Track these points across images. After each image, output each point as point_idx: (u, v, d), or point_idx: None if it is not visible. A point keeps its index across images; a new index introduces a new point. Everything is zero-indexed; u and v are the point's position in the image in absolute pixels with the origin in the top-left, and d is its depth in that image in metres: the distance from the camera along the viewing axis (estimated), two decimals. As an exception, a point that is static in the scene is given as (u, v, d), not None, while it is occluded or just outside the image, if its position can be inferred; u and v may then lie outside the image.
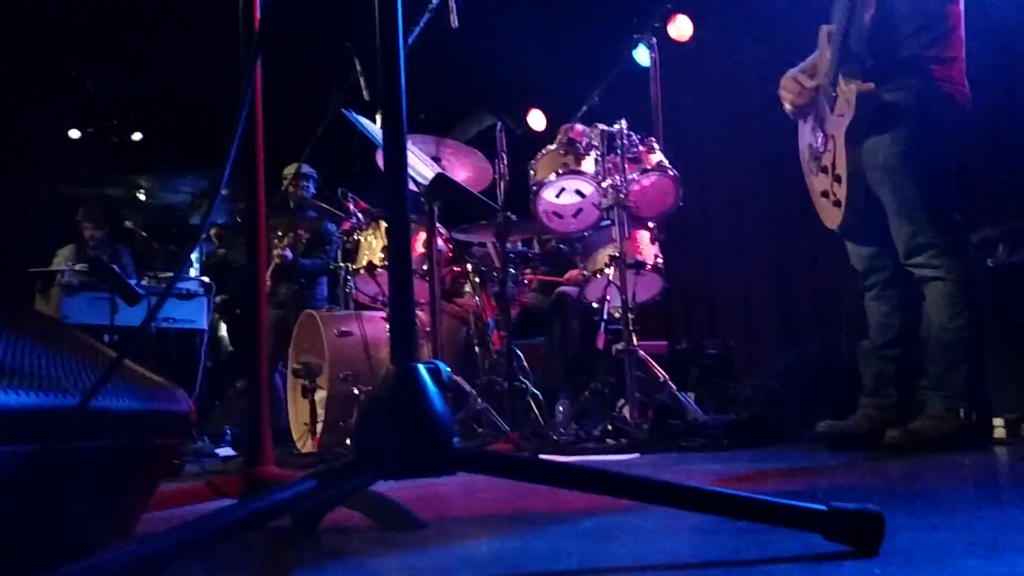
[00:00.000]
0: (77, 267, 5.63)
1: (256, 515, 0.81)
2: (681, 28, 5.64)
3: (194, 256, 9.19)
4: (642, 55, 5.93)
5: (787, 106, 2.99)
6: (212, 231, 8.05)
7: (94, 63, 6.75)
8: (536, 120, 7.10)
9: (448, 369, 1.03)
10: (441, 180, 2.77)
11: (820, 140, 2.89)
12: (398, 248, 1.02)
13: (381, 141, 2.88)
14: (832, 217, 2.89)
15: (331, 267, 5.31)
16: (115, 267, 5.57)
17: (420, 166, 2.99)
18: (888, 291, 2.83)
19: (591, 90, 4.77)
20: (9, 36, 6.17)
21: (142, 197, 9.56)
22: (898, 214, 2.66)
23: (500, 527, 1.34)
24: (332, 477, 0.90)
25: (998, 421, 2.78)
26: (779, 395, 3.50)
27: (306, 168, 5.51)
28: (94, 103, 7.36)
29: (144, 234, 5.76)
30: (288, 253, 5.29)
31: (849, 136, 2.70)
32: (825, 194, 2.90)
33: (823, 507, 0.89)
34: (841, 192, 2.79)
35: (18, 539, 0.92)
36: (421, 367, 0.98)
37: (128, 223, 5.87)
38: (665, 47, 5.18)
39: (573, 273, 4.23)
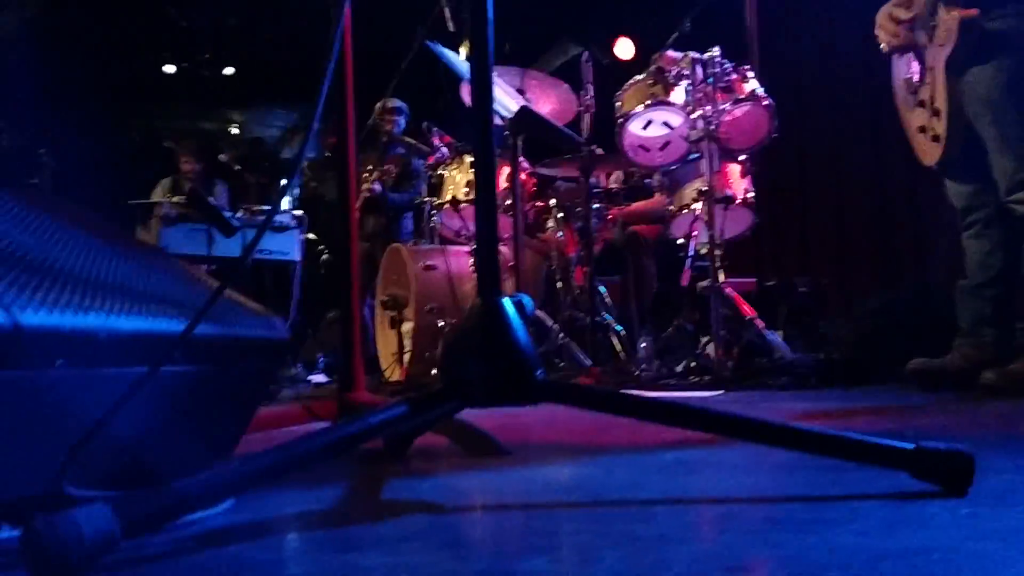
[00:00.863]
0: (175, 199, 5.85)
1: (351, 437, 0.85)
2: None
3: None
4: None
5: (883, 46, 2.84)
6: (305, 164, 8.23)
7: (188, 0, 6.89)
8: (624, 49, 6.91)
9: (532, 302, 1.04)
10: (525, 113, 2.74)
11: (917, 72, 2.75)
12: (484, 186, 1.02)
13: (466, 74, 2.87)
14: (930, 153, 2.76)
15: (417, 202, 5.37)
16: (211, 200, 5.78)
17: (505, 99, 2.97)
18: (988, 229, 2.71)
19: (680, 14, 4.61)
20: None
21: (235, 131, 9.80)
22: (1000, 148, 2.53)
23: (582, 457, 1.37)
24: (421, 403, 0.93)
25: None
26: (871, 335, 3.41)
27: (395, 102, 5.53)
28: (188, 38, 7.53)
29: (238, 167, 5.92)
30: (377, 187, 5.37)
31: (949, 67, 2.57)
32: (922, 129, 2.77)
33: (911, 445, 0.87)
34: (940, 126, 2.66)
35: (130, 456, 0.99)
36: (506, 300, 1.00)
37: (223, 157, 6.04)
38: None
39: (656, 199, 4.13)
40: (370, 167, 5.59)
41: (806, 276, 4.38)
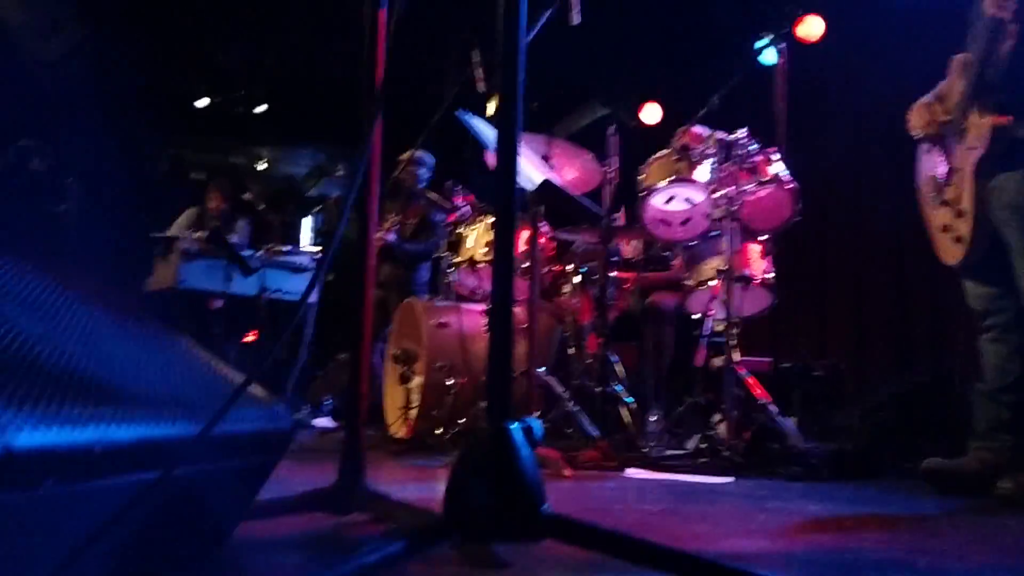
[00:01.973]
0: (196, 235, 5.89)
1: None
2: (811, 28, 5.43)
3: (309, 227, 9.48)
4: (769, 55, 5.75)
5: (915, 132, 2.84)
6: (329, 203, 8.31)
7: (226, 37, 7.00)
8: (650, 114, 6.96)
9: (541, 426, 1.02)
10: (548, 187, 2.75)
11: (944, 172, 2.74)
12: (501, 308, 1.01)
13: (492, 144, 2.87)
14: (951, 253, 2.75)
15: (434, 255, 5.37)
16: (233, 240, 5.82)
17: (529, 169, 2.98)
18: (1007, 334, 2.68)
19: (710, 85, 4.62)
20: (150, 7, 6.48)
21: (262, 167, 9.91)
22: (1023, 254, 2.50)
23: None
24: (419, 540, 0.91)
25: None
26: (887, 428, 3.35)
27: (420, 154, 5.56)
28: (223, 74, 7.65)
29: (263, 207, 5.97)
30: (390, 237, 5.38)
31: (978, 170, 2.57)
32: (945, 229, 2.75)
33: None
34: (964, 228, 2.65)
35: (121, 559, 0.97)
36: (515, 427, 0.97)
37: (248, 195, 6.09)
38: (792, 48, 4.98)
39: (673, 272, 4.11)
40: (389, 216, 5.61)
41: (822, 360, 4.33)
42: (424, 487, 2.48)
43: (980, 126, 2.56)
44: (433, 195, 5.22)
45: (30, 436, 0.74)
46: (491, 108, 3.96)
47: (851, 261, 5.34)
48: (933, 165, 2.84)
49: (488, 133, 2.97)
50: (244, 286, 5.86)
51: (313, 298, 6.34)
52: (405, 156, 5.53)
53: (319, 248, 7.71)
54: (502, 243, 1.04)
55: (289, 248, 6.45)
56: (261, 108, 8.37)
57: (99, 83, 6.60)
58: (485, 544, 0.93)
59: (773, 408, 3.35)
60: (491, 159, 3.60)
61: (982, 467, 2.58)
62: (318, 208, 9.66)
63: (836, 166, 5.41)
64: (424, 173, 5.55)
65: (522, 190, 3.28)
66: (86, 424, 0.82)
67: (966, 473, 2.59)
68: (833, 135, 5.49)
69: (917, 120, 2.84)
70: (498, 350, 1.00)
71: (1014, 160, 2.51)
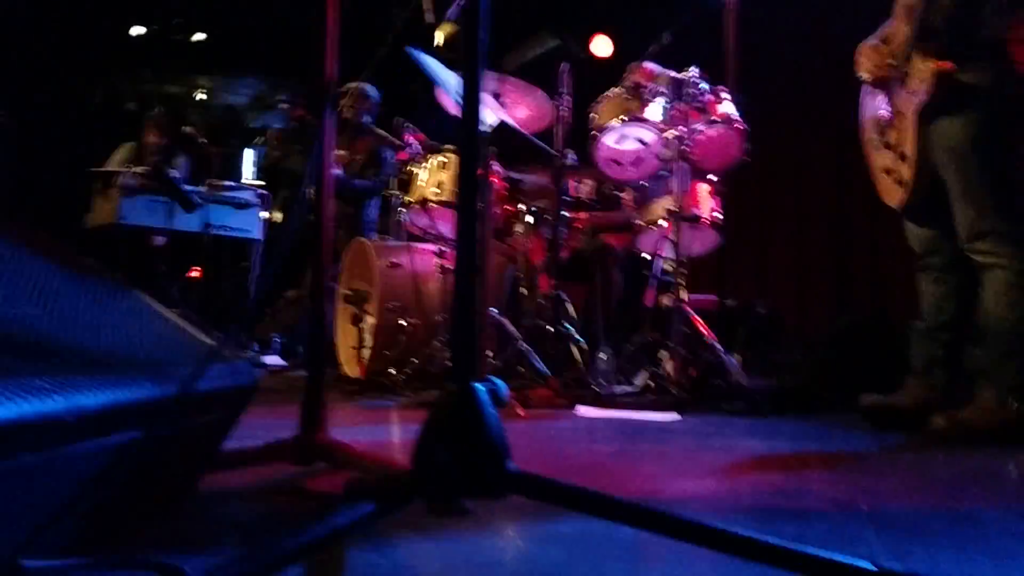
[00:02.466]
0: (137, 170, 5.72)
1: (316, 542, 0.85)
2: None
3: (250, 159, 9.26)
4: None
5: (864, 75, 2.88)
6: (270, 135, 8.10)
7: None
8: (601, 46, 6.88)
9: (506, 388, 1.04)
10: (503, 128, 2.73)
11: (887, 115, 2.79)
12: (465, 262, 1.02)
13: (443, 82, 2.82)
14: (893, 195, 2.82)
15: (383, 192, 5.30)
16: (174, 176, 5.66)
17: (483, 109, 2.94)
18: (945, 274, 2.79)
19: (661, 20, 4.57)
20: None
21: (202, 97, 9.58)
22: (962, 197, 2.60)
23: (546, 525, 1.30)
24: (389, 500, 0.93)
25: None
26: (826, 365, 3.48)
27: (364, 87, 5.43)
28: (158, 2, 7.33)
29: (204, 141, 5.81)
30: (336, 172, 5.28)
31: (920, 115, 2.63)
32: (887, 171, 2.82)
33: (872, 568, 0.90)
34: (906, 171, 2.72)
35: (89, 521, 0.98)
36: (480, 387, 0.99)
37: (188, 129, 5.91)
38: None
39: (624, 212, 4.15)
40: (337, 152, 5.50)
41: (764, 298, 4.45)
42: (381, 430, 2.51)
43: (923, 71, 2.60)
44: (381, 131, 5.14)
45: (4, 410, 0.74)
46: (439, 38, 3.89)
47: (793, 200, 5.45)
48: (876, 107, 2.89)
49: (439, 71, 2.92)
50: (187, 222, 5.74)
51: (259, 235, 6.25)
52: (349, 88, 5.40)
53: (261, 183, 7.56)
54: (464, 205, 1.04)
55: (232, 183, 6.31)
56: (199, 36, 8.06)
57: (27, 13, 6.28)
58: (452, 500, 0.96)
59: (718, 346, 3.45)
60: (442, 96, 3.55)
61: (917, 403, 2.70)
62: (259, 139, 9.43)
63: (781, 106, 5.47)
64: (370, 110, 5.44)
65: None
66: (57, 394, 0.82)
67: (902, 409, 2.72)
68: (778, 76, 5.53)
69: (866, 62, 2.87)
70: (463, 311, 1.01)
71: (954, 105, 2.57)
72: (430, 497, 0.95)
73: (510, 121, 2.88)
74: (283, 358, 6.31)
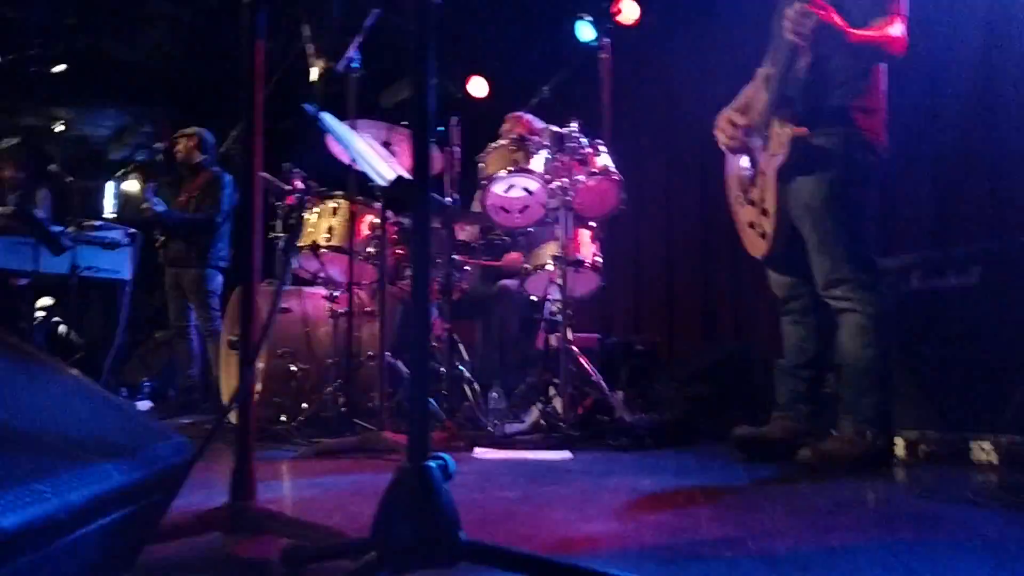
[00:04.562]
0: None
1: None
2: (628, 12, 5.73)
3: (110, 193, 8.89)
4: (585, 31, 6.03)
5: (722, 145, 3.16)
6: (130, 169, 7.83)
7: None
8: (477, 87, 7.11)
9: (454, 463, 1.15)
10: (401, 182, 2.84)
11: (750, 174, 3.08)
12: (419, 349, 1.12)
13: (341, 137, 2.89)
14: (757, 247, 3.10)
15: (217, 221, 5.35)
16: (41, 216, 5.43)
17: (378, 163, 3.05)
18: (805, 317, 3.08)
19: (534, 65, 4.77)
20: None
21: (59, 128, 9.15)
22: (818, 249, 2.88)
23: None
24: (359, 571, 1.02)
25: (898, 440, 3.07)
26: (698, 399, 3.75)
27: (201, 133, 5.57)
28: (15, 31, 7.00)
29: (70, 179, 5.60)
30: (158, 207, 5.29)
31: (780, 175, 2.90)
32: (752, 225, 3.11)
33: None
34: (768, 225, 3.00)
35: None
36: (432, 465, 1.10)
37: (53, 167, 5.68)
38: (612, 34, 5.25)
39: (513, 256, 4.36)
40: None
41: (639, 335, 4.73)
42: (290, 485, 2.53)
43: (781, 135, 2.89)
44: (218, 170, 5.32)
45: (14, 517, 0.79)
46: (313, 74, 4.00)
47: (662, 243, 5.80)
48: (738, 166, 3.18)
49: (337, 127, 3.00)
50: (54, 264, 5.50)
51: (128, 276, 6.06)
52: (184, 132, 5.49)
53: (118, 217, 7.36)
54: (418, 281, 1.15)
55: (101, 223, 6.11)
56: (59, 68, 7.71)
57: None
58: (409, 570, 1.06)
59: (603, 383, 3.66)
60: (333, 144, 3.63)
61: (784, 434, 2.97)
62: (121, 172, 9.10)
63: (650, 154, 5.83)
64: (205, 148, 5.54)
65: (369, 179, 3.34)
66: (53, 495, 0.87)
67: (771, 440, 2.98)
68: (647, 127, 5.90)
69: (721, 135, 3.16)
70: (418, 394, 1.11)
71: (809, 166, 2.87)
72: (392, 567, 1.04)
73: (404, 173, 2.99)
74: (152, 401, 6.13)
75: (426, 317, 1.14)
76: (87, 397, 1.33)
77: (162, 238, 5.51)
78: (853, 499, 2.26)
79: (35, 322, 6.24)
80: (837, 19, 2.68)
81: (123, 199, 7.66)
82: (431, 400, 3.58)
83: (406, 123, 4.05)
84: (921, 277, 3.30)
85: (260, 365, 4.01)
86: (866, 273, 2.85)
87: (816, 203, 2.87)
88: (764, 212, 3.02)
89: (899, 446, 3.08)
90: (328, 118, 2.78)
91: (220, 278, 5.46)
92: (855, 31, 2.72)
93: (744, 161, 3.12)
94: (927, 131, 4.16)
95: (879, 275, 2.94)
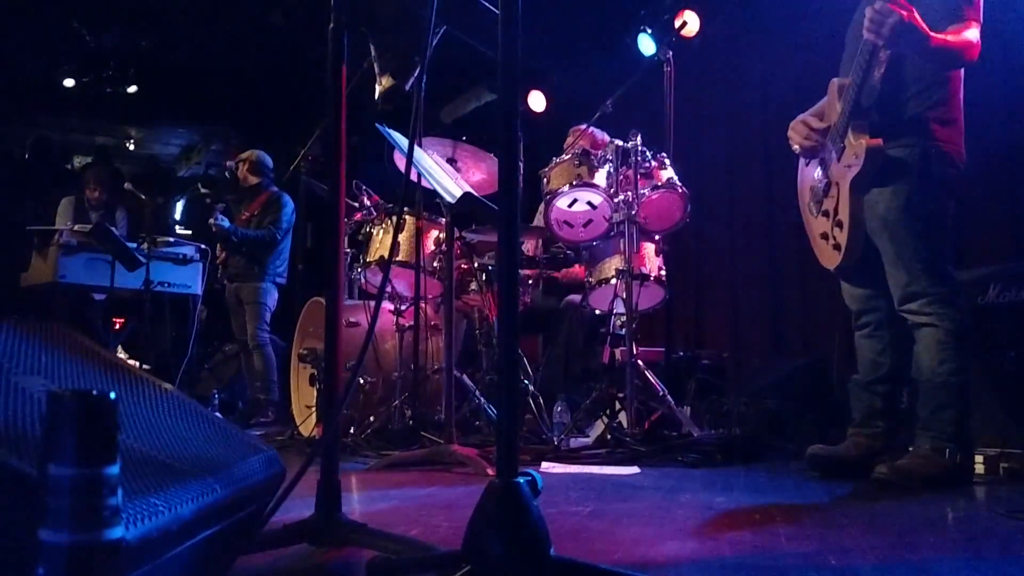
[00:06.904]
0: (77, 228, 5.66)
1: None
2: (690, 24, 5.70)
3: (180, 209, 9.15)
4: (646, 44, 6.03)
5: (794, 147, 3.13)
6: (197, 187, 8.08)
7: (97, 19, 6.68)
8: (536, 102, 7.17)
9: (542, 479, 1.16)
10: (467, 199, 2.87)
11: (823, 184, 3.04)
12: (509, 373, 1.14)
13: (415, 157, 2.94)
14: (830, 258, 3.06)
15: (278, 239, 5.50)
16: (119, 235, 5.62)
17: (447, 181, 3.09)
18: (880, 331, 3.02)
19: (596, 79, 4.75)
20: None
21: (131, 147, 9.49)
22: (895, 262, 2.83)
23: None
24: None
25: (978, 457, 2.98)
26: (770, 413, 3.69)
27: (259, 155, 5.74)
28: (92, 55, 7.29)
29: (143, 197, 5.79)
30: (224, 223, 5.45)
31: (854, 186, 2.86)
32: (824, 236, 3.06)
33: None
34: (842, 237, 2.95)
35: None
36: (521, 481, 1.11)
37: (128, 185, 5.87)
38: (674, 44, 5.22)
39: (575, 269, 4.36)
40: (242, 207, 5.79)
41: (705, 349, 4.68)
42: (364, 497, 2.57)
43: (856, 146, 2.85)
44: (276, 189, 5.53)
45: (134, 530, 0.82)
46: (379, 89, 4.05)
47: (728, 257, 5.74)
48: (812, 176, 3.14)
49: (403, 141, 3.05)
50: (128, 279, 5.68)
51: (198, 290, 6.22)
52: (243, 156, 5.70)
53: (190, 232, 7.62)
54: (506, 299, 1.16)
55: (173, 239, 6.30)
56: (132, 88, 8.01)
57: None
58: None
59: (669, 398, 3.63)
60: (399, 160, 3.69)
61: (860, 452, 2.91)
62: (190, 190, 9.40)
63: (714, 166, 5.78)
64: (262, 170, 5.73)
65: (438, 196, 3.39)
66: (164, 509, 0.91)
67: (846, 458, 2.92)
68: (711, 136, 5.85)
69: (796, 136, 3.12)
70: (508, 412, 1.13)
71: (885, 177, 2.82)
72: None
73: (470, 189, 3.02)
74: (223, 413, 6.26)
75: (514, 334, 1.15)
76: (186, 412, 1.38)
77: (222, 254, 5.71)
78: (935, 517, 2.20)
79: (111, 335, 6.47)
80: (919, 20, 2.62)
81: (191, 216, 7.90)
82: (492, 409, 3.60)
83: (465, 138, 4.12)
84: (999, 289, 3.21)
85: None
86: (944, 287, 2.78)
87: (892, 215, 2.81)
88: (838, 224, 2.97)
89: (979, 463, 2.98)
90: (397, 136, 2.83)
91: (276, 294, 5.67)
92: (935, 34, 2.67)
93: (817, 172, 3.08)
94: (1001, 138, 4.05)
95: (958, 289, 2.86)
